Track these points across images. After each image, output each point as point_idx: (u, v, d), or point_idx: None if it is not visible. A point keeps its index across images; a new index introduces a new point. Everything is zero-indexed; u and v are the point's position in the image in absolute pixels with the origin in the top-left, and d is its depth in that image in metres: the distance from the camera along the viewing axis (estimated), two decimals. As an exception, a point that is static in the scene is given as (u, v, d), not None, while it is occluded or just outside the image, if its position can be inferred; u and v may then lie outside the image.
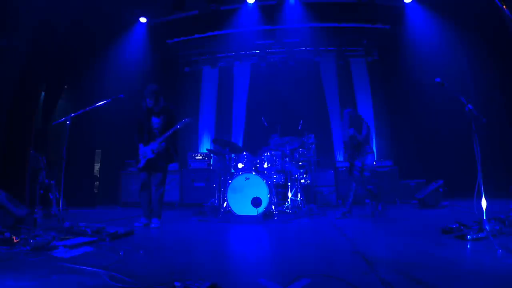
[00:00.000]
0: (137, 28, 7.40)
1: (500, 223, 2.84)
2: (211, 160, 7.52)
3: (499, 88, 6.32)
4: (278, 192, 5.51)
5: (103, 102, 3.98)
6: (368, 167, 4.53)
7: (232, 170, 5.19)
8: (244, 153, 5.24)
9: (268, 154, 5.34)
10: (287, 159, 5.49)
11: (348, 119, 4.69)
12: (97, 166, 8.01)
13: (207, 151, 7.25)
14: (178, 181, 7.15)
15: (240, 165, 5.17)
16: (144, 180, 4.13)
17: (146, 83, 4.21)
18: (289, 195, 5.40)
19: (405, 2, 6.81)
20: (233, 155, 5.27)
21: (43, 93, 6.20)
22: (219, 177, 5.41)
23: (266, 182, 4.58)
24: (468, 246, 2.48)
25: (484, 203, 2.54)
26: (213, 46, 8.67)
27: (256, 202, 4.48)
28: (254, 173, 4.67)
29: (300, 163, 5.80)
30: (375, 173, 5.15)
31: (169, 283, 1.57)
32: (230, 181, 4.69)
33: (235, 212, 4.54)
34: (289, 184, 5.46)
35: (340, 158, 8.19)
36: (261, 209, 4.43)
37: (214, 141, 6.44)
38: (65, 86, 6.99)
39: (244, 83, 9.05)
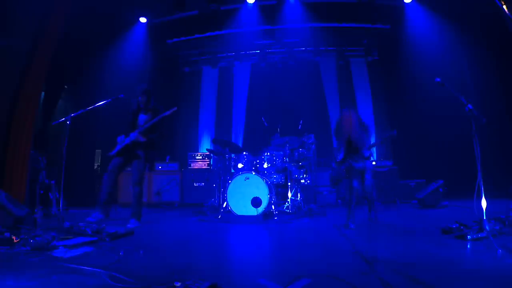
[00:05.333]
0: (137, 28, 7.40)
1: (500, 223, 2.84)
2: (211, 160, 7.52)
3: (499, 88, 6.31)
4: (278, 192, 5.50)
5: (103, 102, 4.01)
6: (369, 169, 4.36)
7: (232, 170, 5.18)
8: (244, 153, 5.24)
9: (268, 154, 5.34)
10: (287, 159, 5.48)
11: (356, 120, 4.12)
12: (97, 166, 8.00)
13: (207, 151, 7.26)
14: (178, 181, 7.15)
15: (240, 165, 5.17)
16: (114, 165, 4.10)
17: (146, 83, 4.24)
18: (289, 195, 5.39)
19: (405, 2, 6.80)
20: (233, 155, 5.27)
21: (43, 93, 6.19)
22: (219, 177, 5.40)
23: (266, 182, 4.58)
24: (468, 246, 2.48)
25: (484, 203, 2.54)
26: (213, 46, 8.66)
27: (256, 202, 4.47)
28: (254, 173, 4.66)
29: (300, 163, 5.79)
30: (374, 174, 4.98)
31: (169, 283, 1.57)
32: (230, 181, 4.69)
33: (235, 212, 4.54)
34: (289, 184, 5.45)
35: (340, 158, 8.18)
36: (261, 209, 4.42)
37: (214, 141, 6.44)
38: (65, 86, 6.99)
39: (244, 83, 9.05)
